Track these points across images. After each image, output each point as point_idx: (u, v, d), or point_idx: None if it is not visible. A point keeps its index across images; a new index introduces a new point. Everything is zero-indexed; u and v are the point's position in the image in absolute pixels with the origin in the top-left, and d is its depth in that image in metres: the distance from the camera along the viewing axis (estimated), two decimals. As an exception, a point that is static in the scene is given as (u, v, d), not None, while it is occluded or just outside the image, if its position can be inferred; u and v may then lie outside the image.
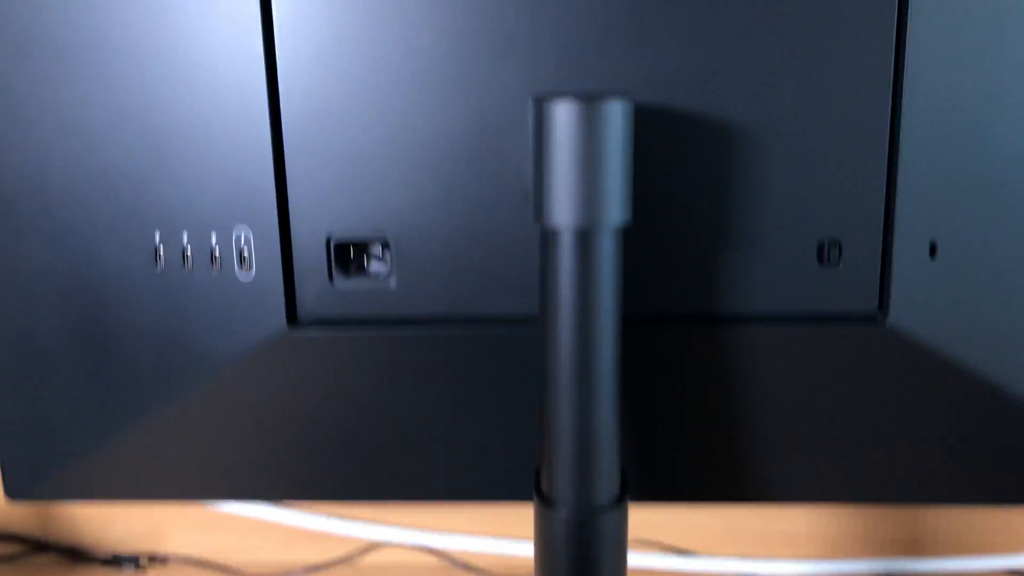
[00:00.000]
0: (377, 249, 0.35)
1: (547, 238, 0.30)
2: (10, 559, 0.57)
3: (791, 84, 0.32)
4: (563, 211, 0.29)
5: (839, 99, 0.32)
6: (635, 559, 0.52)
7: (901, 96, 0.32)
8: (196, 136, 0.34)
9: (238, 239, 0.35)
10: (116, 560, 0.57)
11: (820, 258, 0.34)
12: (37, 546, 0.57)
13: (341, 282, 0.35)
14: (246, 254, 0.35)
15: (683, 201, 0.34)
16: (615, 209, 0.29)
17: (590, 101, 0.28)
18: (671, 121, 0.33)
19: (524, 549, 0.54)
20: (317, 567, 0.56)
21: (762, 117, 0.32)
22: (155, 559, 0.57)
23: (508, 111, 0.33)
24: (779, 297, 0.34)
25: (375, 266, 0.36)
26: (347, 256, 0.35)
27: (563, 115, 0.28)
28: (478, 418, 0.37)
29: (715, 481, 0.37)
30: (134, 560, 0.57)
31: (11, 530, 0.57)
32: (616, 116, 0.29)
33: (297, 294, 0.35)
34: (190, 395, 0.37)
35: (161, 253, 0.35)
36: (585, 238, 0.29)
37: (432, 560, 0.56)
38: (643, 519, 0.53)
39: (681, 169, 0.33)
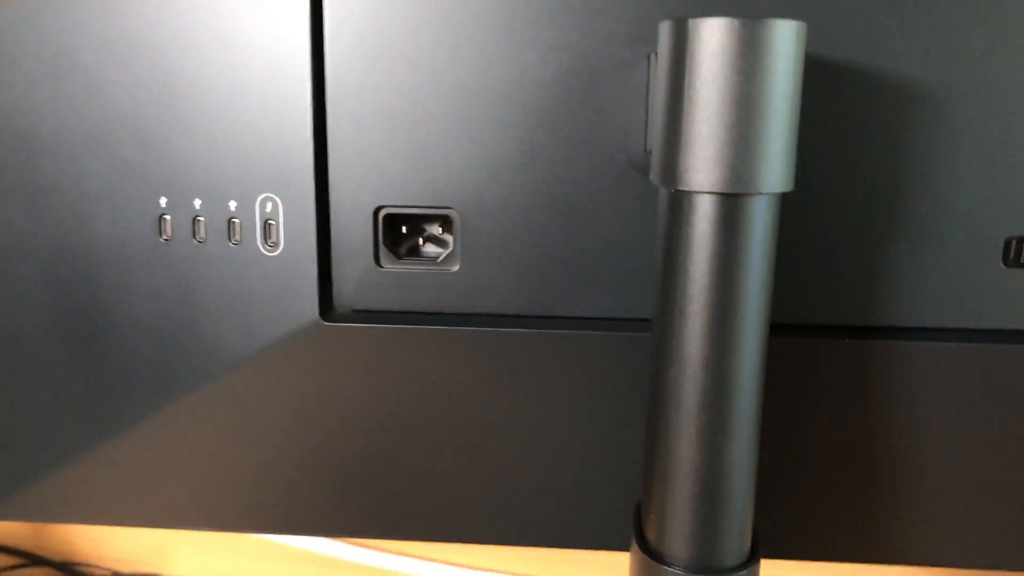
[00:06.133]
0: (437, 227, 0.30)
1: (677, 205, 0.22)
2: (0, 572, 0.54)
3: (987, 42, 0.26)
4: (707, 170, 0.21)
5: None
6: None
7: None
8: (217, 82, 0.28)
9: (263, 208, 0.29)
10: (115, 579, 0.53)
11: (1006, 259, 0.28)
12: (30, 560, 0.54)
13: (391, 264, 0.29)
14: (273, 225, 0.29)
15: (841, 181, 0.27)
16: (777, 169, 0.21)
17: (753, 21, 0.20)
18: (834, 77, 0.26)
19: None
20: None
21: (946, 81, 0.26)
22: (158, 582, 0.53)
23: (608, 52, 0.27)
24: (956, 307, 0.28)
25: (434, 248, 0.30)
26: (399, 233, 0.30)
27: (716, 37, 0.20)
28: (556, 444, 0.30)
29: (863, 538, 0.30)
30: (134, 581, 0.52)
31: (2, 542, 0.54)
32: (787, 43, 0.21)
33: (334, 277, 0.29)
34: (195, 399, 0.31)
35: (167, 222, 0.29)
36: (734, 208, 0.21)
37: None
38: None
39: (843, 140, 0.27)
